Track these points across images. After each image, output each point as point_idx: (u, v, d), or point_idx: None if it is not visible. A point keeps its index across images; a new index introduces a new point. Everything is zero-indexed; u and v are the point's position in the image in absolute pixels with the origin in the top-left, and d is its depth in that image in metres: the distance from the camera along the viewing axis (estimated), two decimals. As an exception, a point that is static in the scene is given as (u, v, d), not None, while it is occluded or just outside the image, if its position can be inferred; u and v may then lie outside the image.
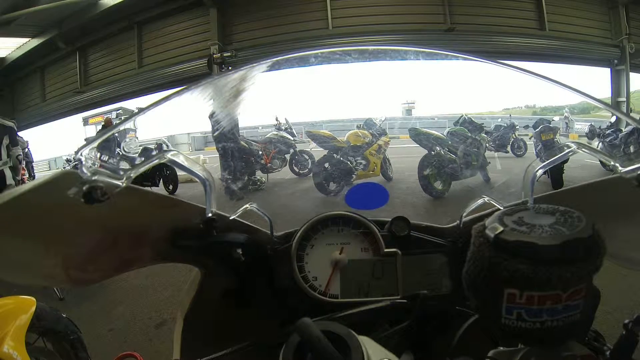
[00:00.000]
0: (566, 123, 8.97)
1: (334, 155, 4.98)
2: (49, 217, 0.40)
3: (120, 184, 0.41)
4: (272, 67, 0.58)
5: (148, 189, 0.70)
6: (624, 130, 5.80)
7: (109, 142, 4.98)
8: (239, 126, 6.13)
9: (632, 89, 8.84)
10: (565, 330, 0.33)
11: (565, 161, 0.57)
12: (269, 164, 5.87)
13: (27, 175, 7.28)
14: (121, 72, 9.59)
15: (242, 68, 0.60)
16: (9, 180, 3.83)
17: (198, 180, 0.58)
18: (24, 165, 4.24)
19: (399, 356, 0.43)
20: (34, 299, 1.26)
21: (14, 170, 3.95)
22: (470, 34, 8.20)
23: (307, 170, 5.91)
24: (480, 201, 0.70)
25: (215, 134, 5.48)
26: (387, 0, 8.20)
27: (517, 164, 6.53)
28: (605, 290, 0.38)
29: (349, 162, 4.96)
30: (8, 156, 3.85)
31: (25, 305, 1.23)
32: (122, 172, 0.42)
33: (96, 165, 0.39)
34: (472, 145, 5.00)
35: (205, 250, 0.61)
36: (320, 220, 0.71)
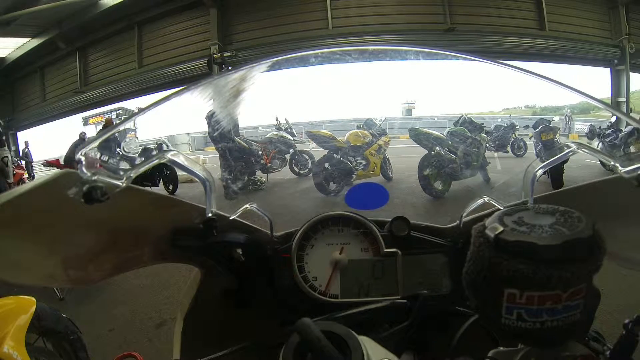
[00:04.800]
0: (567, 122, 8.97)
1: (334, 155, 4.98)
2: (49, 217, 0.40)
3: (120, 184, 0.41)
4: (272, 67, 0.57)
5: (148, 189, 0.70)
6: (624, 130, 5.80)
7: (109, 142, 4.97)
8: (239, 126, 6.13)
9: (632, 89, 8.86)
10: (565, 330, 0.33)
11: (565, 161, 0.57)
12: (269, 164, 5.88)
13: (27, 175, 7.25)
14: (121, 72, 9.60)
15: (242, 68, 0.60)
16: None
17: (198, 180, 0.58)
18: (13, 167, 3.95)
19: (399, 356, 0.43)
20: (34, 299, 1.26)
21: (2, 173, 3.72)
22: (470, 34, 8.21)
23: (307, 170, 5.91)
24: (480, 201, 0.70)
25: (214, 134, 5.48)
26: (387, 0, 8.21)
27: (517, 164, 6.53)
28: (605, 290, 0.38)
29: (349, 162, 4.96)
30: None
31: (25, 305, 1.23)
32: (122, 172, 0.42)
33: (96, 165, 0.39)
34: (472, 145, 5.00)
35: (205, 250, 0.61)
36: (320, 220, 0.71)
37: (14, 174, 5.93)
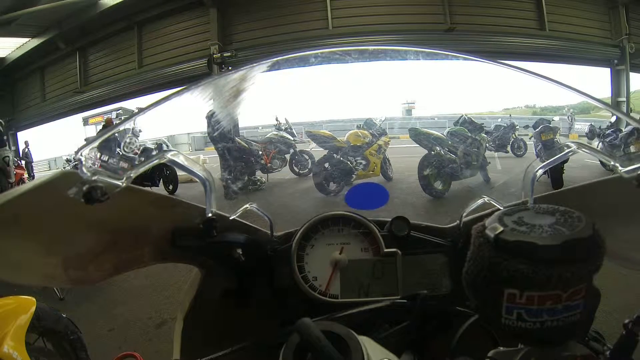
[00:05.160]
0: (570, 122, 8.97)
1: (334, 155, 4.98)
2: (49, 217, 0.40)
3: (120, 184, 0.41)
4: (272, 67, 0.57)
5: (148, 189, 0.70)
6: (624, 130, 5.80)
7: (109, 142, 4.97)
8: (239, 126, 6.13)
9: (632, 89, 8.85)
10: (565, 330, 0.33)
11: (565, 161, 0.57)
12: (269, 164, 5.88)
13: (27, 175, 7.25)
14: (121, 72, 9.60)
15: (242, 68, 0.60)
16: None
17: (198, 180, 0.58)
18: (14, 168, 3.88)
19: (399, 356, 0.43)
20: (34, 299, 1.26)
21: (3, 173, 3.69)
22: (470, 34, 8.21)
23: (307, 170, 5.91)
24: (480, 201, 0.70)
25: (214, 134, 5.47)
26: (387, 0, 8.21)
27: (517, 164, 6.53)
28: (605, 290, 0.38)
29: (349, 162, 4.96)
30: None
31: (25, 305, 1.23)
32: (122, 172, 0.42)
33: (96, 165, 0.39)
34: (472, 145, 5.00)
35: (205, 250, 0.61)
36: (320, 220, 0.71)
37: (14, 174, 5.92)
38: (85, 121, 12.27)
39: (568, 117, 9.26)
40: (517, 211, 0.37)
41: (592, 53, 8.78)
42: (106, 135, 0.52)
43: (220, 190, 4.14)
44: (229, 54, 8.38)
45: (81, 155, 0.40)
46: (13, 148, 10.20)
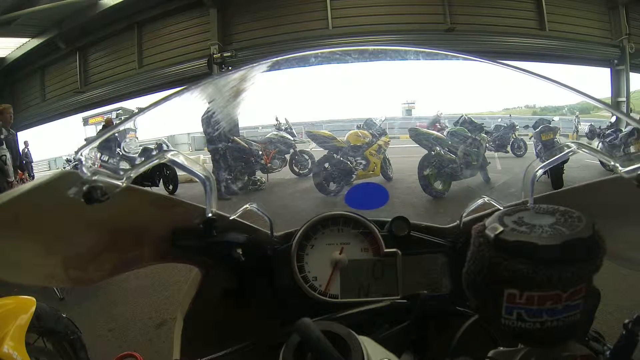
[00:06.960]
0: (576, 125, 8.99)
1: (334, 155, 4.98)
2: (49, 217, 0.40)
3: (120, 184, 0.41)
4: (272, 67, 0.58)
5: (148, 189, 0.70)
6: (624, 130, 5.80)
7: (109, 142, 4.97)
8: (239, 126, 6.13)
9: (632, 89, 8.85)
10: (565, 330, 0.33)
11: (565, 161, 0.57)
12: (269, 164, 5.87)
13: (27, 175, 7.24)
14: (121, 72, 9.60)
15: (242, 68, 0.60)
16: None
17: (198, 180, 0.58)
18: (11, 167, 3.84)
19: (399, 356, 0.43)
20: (34, 299, 1.26)
21: (2, 172, 3.65)
22: (470, 34, 8.21)
23: (307, 170, 5.92)
24: (480, 201, 0.70)
25: (215, 135, 5.46)
26: (387, 0, 8.21)
27: (517, 164, 6.53)
28: (605, 290, 0.38)
29: (349, 162, 4.96)
30: None
31: (25, 305, 1.23)
32: (122, 172, 0.42)
33: (96, 165, 0.39)
34: (472, 145, 5.00)
35: (205, 250, 0.61)
36: (320, 220, 0.71)
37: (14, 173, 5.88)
38: (85, 121, 12.27)
39: (575, 120, 9.25)
40: (517, 211, 0.37)
41: (592, 53, 8.78)
42: (106, 135, 0.52)
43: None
44: (229, 54, 8.39)
45: (81, 155, 0.40)
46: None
